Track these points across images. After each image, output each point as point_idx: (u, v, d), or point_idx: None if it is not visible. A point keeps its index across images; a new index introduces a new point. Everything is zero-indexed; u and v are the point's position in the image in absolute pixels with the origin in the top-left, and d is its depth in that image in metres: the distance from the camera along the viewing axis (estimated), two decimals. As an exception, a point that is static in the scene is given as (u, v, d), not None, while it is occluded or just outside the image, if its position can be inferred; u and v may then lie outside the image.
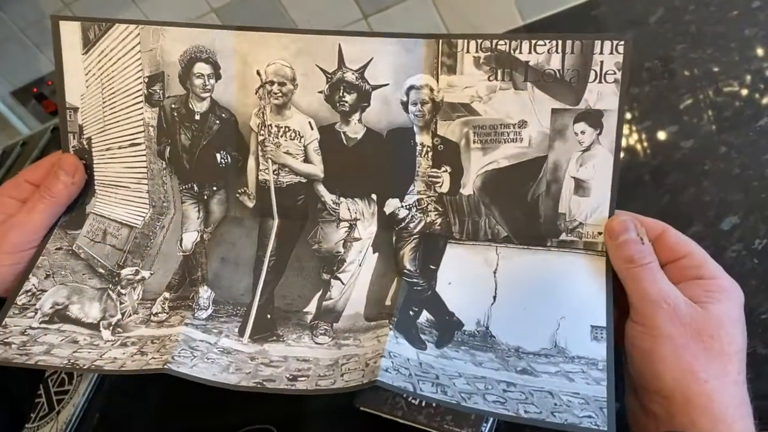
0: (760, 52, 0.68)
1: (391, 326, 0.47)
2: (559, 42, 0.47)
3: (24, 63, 1.22)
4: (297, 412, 0.56)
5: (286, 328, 0.50)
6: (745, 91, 0.65)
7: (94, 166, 0.57)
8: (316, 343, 0.49)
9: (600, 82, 0.47)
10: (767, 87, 0.65)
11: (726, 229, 0.56)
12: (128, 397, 0.64)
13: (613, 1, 0.88)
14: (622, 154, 0.62)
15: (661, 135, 0.64)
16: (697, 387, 0.41)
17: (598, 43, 0.46)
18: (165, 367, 0.46)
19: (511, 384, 0.43)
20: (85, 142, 0.57)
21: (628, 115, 0.66)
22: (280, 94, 0.53)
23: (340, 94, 0.52)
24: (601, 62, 0.46)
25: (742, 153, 0.60)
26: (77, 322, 0.51)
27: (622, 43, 0.46)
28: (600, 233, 0.50)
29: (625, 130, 0.65)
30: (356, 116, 0.52)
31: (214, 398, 0.58)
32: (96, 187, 0.57)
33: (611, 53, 0.46)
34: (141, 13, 1.05)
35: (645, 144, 0.64)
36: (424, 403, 0.49)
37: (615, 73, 0.46)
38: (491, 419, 0.48)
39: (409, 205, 0.53)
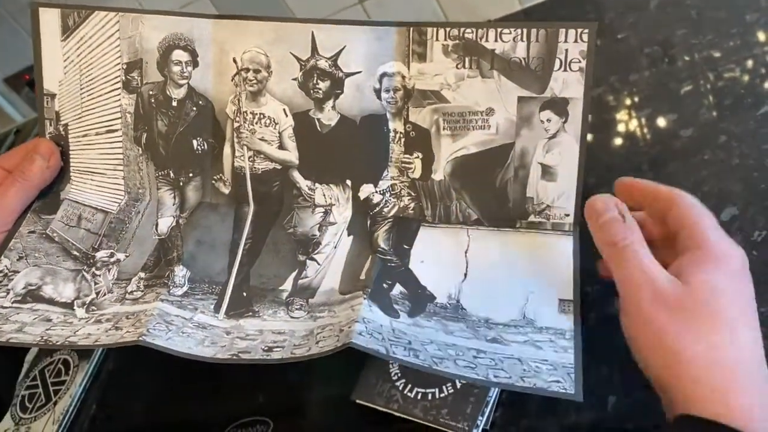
0: (762, 37, 0.66)
1: (365, 296, 0.48)
2: (524, 30, 0.49)
3: (16, 50, 1.20)
4: (293, 404, 0.56)
5: (261, 304, 0.51)
6: (746, 78, 0.63)
7: (70, 152, 0.57)
8: (292, 317, 0.50)
9: (565, 70, 0.49)
10: None
11: (725, 220, 0.54)
12: (125, 387, 0.63)
13: None
14: (620, 142, 0.63)
15: (661, 122, 0.63)
16: (683, 366, 0.39)
17: (562, 31, 0.48)
18: (140, 339, 0.46)
19: (480, 351, 0.45)
20: (61, 129, 0.57)
21: (627, 102, 0.66)
22: (255, 81, 0.54)
23: (314, 81, 0.53)
24: (566, 50, 0.49)
25: (742, 142, 0.58)
26: (51, 301, 0.51)
27: (587, 31, 0.48)
28: (567, 215, 0.51)
29: (624, 117, 0.64)
30: (330, 103, 0.54)
31: (210, 389, 0.59)
32: (71, 174, 0.57)
33: (576, 41, 0.48)
34: None
35: (644, 131, 0.63)
36: (419, 396, 0.49)
37: (580, 62, 0.49)
38: (487, 412, 0.47)
39: (383, 190, 0.55)
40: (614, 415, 0.46)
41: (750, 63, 0.65)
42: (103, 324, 0.49)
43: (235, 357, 0.46)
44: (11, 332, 0.49)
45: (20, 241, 0.54)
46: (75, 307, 0.51)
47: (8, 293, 0.51)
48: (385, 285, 0.50)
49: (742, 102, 0.61)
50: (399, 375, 0.50)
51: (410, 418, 0.49)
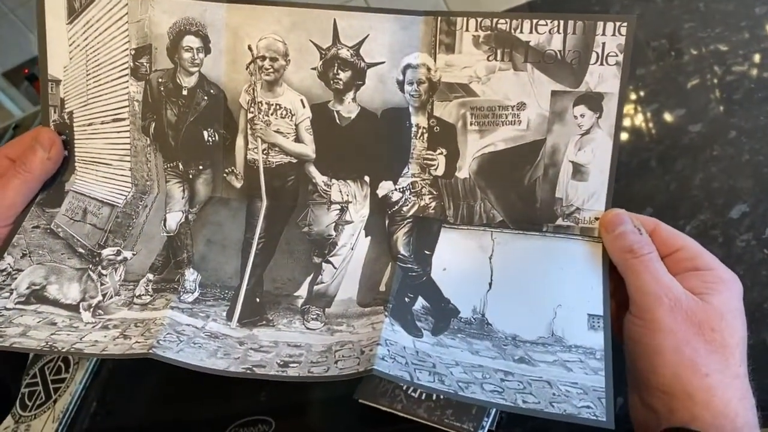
0: None
1: (386, 313, 0.46)
2: (561, 22, 0.46)
3: (14, 44, 1.19)
4: (295, 404, 0.55)
5: (275, 312, 0.48)
6: (755, 71, 0.62)
7: (75, 141, 0.55)
8: (308, 329, 0.47)
9: (601, 64, 0.46)
10: None
11: (735, 217, 0.55)
12: (125, 385, 0.62)
13: None
14: (627, 138, 0.61)
15: (668, 118, 0.62)
16: (698, 382, 0.40)
17: (600, 24, 0.45)
18: (150, 351, 0.44)
19: (508, 373, 0.42)
20: (66, 116, 0.54)
21: (633, 96, 0.64)
22: (271, 70, 0.51)
23: (334, 71, 0.50)
24: (603, 44, 0.45)
25: (752, 137, 0.58)
26: (55, 303, 0.49)
27: (625, 24, 0.45)
28: (597, 218, 0.49)
29: (631, 112, 0.63)
30: (350, 95, 0.51)
31: (212, 388, 0.56)
32: (76, 164, 0.55)
33: (614, 35, 0.45)
34: None
35: (651, 127, 0.61)
36: (423, 396, 0.48)
37: (617, 56, 0.45)
38: (493, 413, 0.47)
39: (402, 188, 0.52)
40: (623, 417, 0.44)
41: (758, 57, 0.64)
42: (111, 331, 0.47)
43: (249, 371, 0.44)
44: (15, 336, 0.46)
45: (24, 236, 0.52)
46: (81, 310, 0.48)
47: (12, 293, 0.49)
48: (407, 299, 0.47)
49: (751, 96, 0.60)
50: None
51: (414, 418, 0.47)
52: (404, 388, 0.48)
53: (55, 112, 0.55)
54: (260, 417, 0.53)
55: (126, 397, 0.61)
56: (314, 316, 0.48)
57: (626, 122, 0.62)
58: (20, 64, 1.23)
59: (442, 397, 0.47)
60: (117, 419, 0.60)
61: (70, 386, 0.61)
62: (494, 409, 0.46)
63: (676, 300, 0.42)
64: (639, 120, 0.62)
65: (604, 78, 0.46)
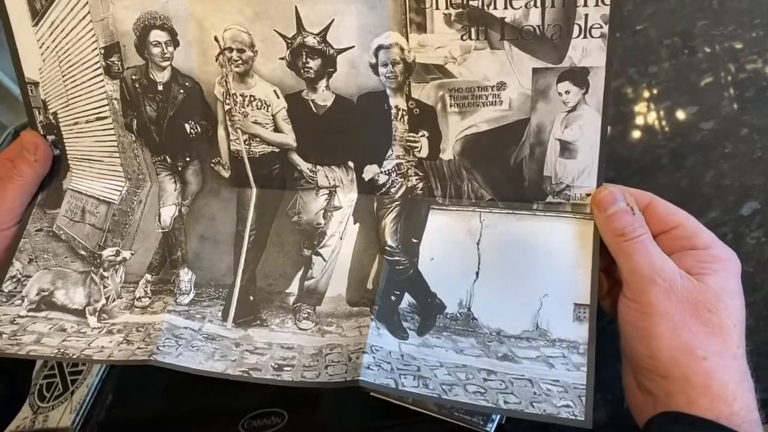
0: None
1: (372, 316, 0.46)
2: (537, -5, 0.42)
3: None
4: (308, 396, 0.57)
5: (269, 311, 0.50)
6: None
7: (65, 140, 0.55)
8: (300, 329, 0.48)
9: (585, 37, 0.42)
10: None
11: (746, 214, 0.55)
12: (141, 377, 0.65)
13: None
14: (639, 135, 0.59)
15: (680, 115, 0.60)
16: (696, 365, 0.40)
17: None
18: (151, 358, 0.46)
19: (491, 372, 0.43)
20: (51, 117, 0.55)
21: (646, 94, 0.62)
22: (240, 62, 0.49)
23: (303, 60, 0.48)
24: (586, 15, 0.41)
25: (764, 135, 0.57)
26: (63, 308, 0.52)
27: None
28: (588, 194, 0.47)
29: (643, 109, 0.61)
30: (323, 83, 0.48)
31: (226, 381, 0.59)
32: (70, 162, 0.55)
33: (597, 5, 0.41)
34: None
35: (663, 124, 0.60)
36: None
37: (601, 27, 0.41)
38: None
39: (388, 170, 0.51)
40: (629, 412, 0.45)
41: None
42: (115, 336, 0.49)
43: (245, 374, 0.46)
44: (30, 344, 0.50)
45: (29, 241, 0.54)
46: (87, 315, 0.51)
47: (23, 300, 0.52)
48: (393, 297, 0.47)
49: (764, 94, 0.59)
50: (414, 369, 0.49)
51: (425, 411, 0.48)
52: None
53: (40, 113, 0.55)
54: (273, 409, 0.55)
55: (141, 389, 0.65)
56: (305, 315, 0.49)
57: (638, 120, 0.60)
58: None
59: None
60: (132, 411, 0.64)
61: (87, 378, 0.64)
62: None
63: (671, 281, 0.41)
64: (651, 117, 0.61)
65: (588, 51, 0.42)
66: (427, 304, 0.47)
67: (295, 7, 0.46)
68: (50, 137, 0.55)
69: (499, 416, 0.46)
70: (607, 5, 0.41)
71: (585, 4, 0.41)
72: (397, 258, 0.49)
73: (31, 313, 0.51)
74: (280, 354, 0.47)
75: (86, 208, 0.55)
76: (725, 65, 0.59)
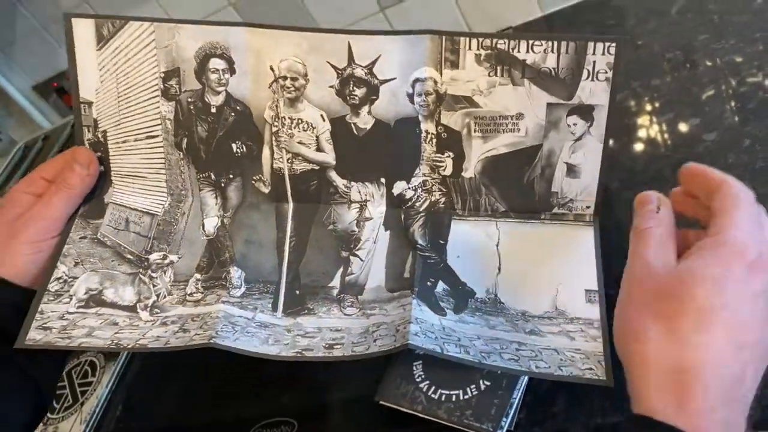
0: None
1: (413, 295, 0.53)
2: (555, 43, 0.52)
3: (44, 58, 1.21)
4: (317, 405, 0.58)
5: (315, 302, 0.55)
6: None
7: (110, 157, 0.59)
8: (345, 315, 0.54)
9: (592, 80, 0.52)
10: None
11: None
12: (151, 388, 0.66)
13: None
14: (642, 147, 0.63)
15: (683, 127, 0.63)
16: (632, 347, 0.39)
17: (591, 44, 0.51)
18: (210, 341, 0.51)
19: (522, 344, 0.50)
20: (100, 135, 0.59)
21: (648, 107, 0.66)
22: (293, 89, 0.56)
23: (350, 88, 0.56)
24: (594, 62, 0.52)
25: (766, 146, 0.58)
26: (114, 305, 0.55)
27: (614, 44, 0.51)
28: (588, 206, 0.56)
29: (646, 122, 0.65)
30: (366, 108, 0.56)
31: (235, 390, 0.61)
32: (112, 178, 0.60)
33: (603, 54, 0.51)
34: (159, 6, 1.04)
35: (666, 137, 0.63)
36: (443, 398, 0.50)
37: (606, 72, 0.52)
38: (511, 413, 0.49)
39: (415, 186, 0.58)
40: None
41: None
42: (170, 326, 0.53)
43: (299, 354, 0.51)
44: (81, 337, 0.53)
45: (73, 246, 0.57)
46: (138, 310, 0.55)
47: (71, 299, 0.55)
48: (428, 283, 0.55)
49: (765, 106, 0.62)
50: (423, 376, 0.52)
51: (434, 419, 0.49)
52: (424, 389, 0.51)
53: (89, 131, 0.59)
54: (283, 418, 0.57)
55: (151, 400, 0.65)
56: (349, 304, 0.55)
57: (642, 132, 0.64)
58: (49, 78, 1.26)
59: (461, 398, 0.49)
60: (142, 422, 0.64)
61: (97, 389, 0.66)
62: (512, 410, 0.48)
63: (649, 270, 0.41)
64: (654, 130, 0.64)
65: (594, 92, 0.53)
66: (458, 291, 0.55)
67: (348, 43, 0.54)
68: (96, 154, 0.59)
69: (508, 423, 0.49)
70: (612, 55, 0.51)
71: (593, 53, 0.52)
72: (427, 254, 0.56)
73: (80, 310, 0.54)
74: (329, 336, 0.52)
75: (130, 218, 0.59)
76: (726, 78, 0.63)
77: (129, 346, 0.52)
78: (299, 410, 0.58)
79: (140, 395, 0.66)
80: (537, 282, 0.54)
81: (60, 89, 1.27)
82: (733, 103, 0.63)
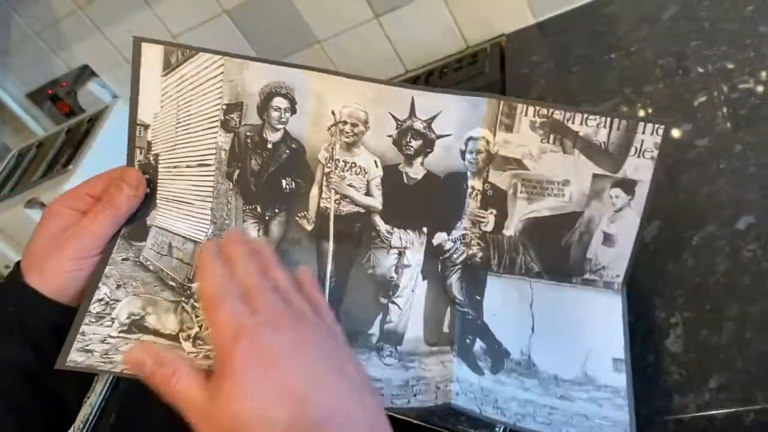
0: None
1: (454, 353, 0.55)
2: (608, 119, 0.55)
3: (38, 65, 1.20)
4: None
5: (354, 347, 0.56)
6: (760, 88, 0.64)
7: (159, 181, 0.60)
8: (385, 364, 0.55)
9: (639, 157, 0.56)
10: None
11: (742, 228, 0.56)
12: (144, 396, 0.64)
13: None
14: None
15: (675, 133, 0.64)
16: None
17: (641, 124, 0.55)
18: None
19: (554, 408, 0.52)
20: (152, 158, 0.60)
21: (641, 113, 0.67)
22: (351, 134, 0.58)
23: (408, 139, 0.58)
24: (642, 141, 0.55)
25: (757, 151, 0.59)
26: (156, 332, 0.55)
27: (663, 126, 0.55)
28: (618, 275, 0.59)
29: (638, 128, 0.67)
30: (419, 159, 0.59)
31: None
32: (158, 201, 0.60)
33: (652, 134, 0.55)
34: (155, 15, 1.05)
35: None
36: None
37: (652, 152, 0.55)
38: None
39: (455, 238, 0.60)
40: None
41: (764, 74, 0.66)
42: (211, 360, 0.53)
43: None
44: (124, 363, 0.52)
45: (115, 268, 0.57)
46: (181, 340, 0.55)
47: (113, 322, 0.55)
48: (467, 340, 0.56)
49: (757, 112, 0.63)
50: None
51: (429, 425, 0.52)
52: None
53: (140, 153, 0.60)
54: None
55: (144, 408, 0.65)
56: (388, 353, 0.56)
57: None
58: (44, 85, 1.25)
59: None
60: (135, 430, 0.64)
61: (91, 397, 0.65)
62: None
63: None
64: None
65: (639, 168, 0.56)
66: (495, 350, 0.56)
67: (412, 97, 0.57)
68: (144, 176, 0.60)
69: (501, 430, 0.52)
70: (659, 136, 0.55)
71: (643, 132, 0.55)
72: (466, 309, 0.58)
73: (122, 335, 0.54)
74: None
75: (173, 243, 0.60)
76: (718, 85, 0.65)
77: None
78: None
79: (134, 404, 0.65)
80: (568, 346, 0.57)
81: (54, 96, 1.27)
82: (725, 109, 0.64)
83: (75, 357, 0.52)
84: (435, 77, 1.01)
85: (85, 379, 0.58)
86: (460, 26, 1.01)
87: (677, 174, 0.63)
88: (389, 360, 0.56)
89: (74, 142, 1.18)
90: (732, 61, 0.68)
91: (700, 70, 0.69)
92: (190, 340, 0.55)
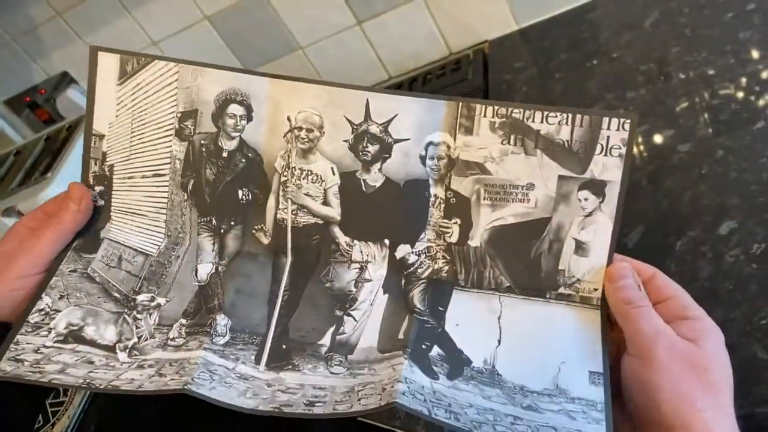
0: (755, 54, 0.67)
1: (405, 356, 0.50)
2: (570, 115, 0.53)
3: (16, 72, 1.22)
4: (295, 421, 0.55)
5: (301, 358, 0.52)
6: (740, 94, 0.65)
7: (113, 192, 0.58)
8: (332, 373, 0.51)
9: (606, 155, 0.52)
10: (763, 90, 0.64)
11: (724, 233, 0.56)
12: (124, 408, 0.62)
13: (608, 4, 0.86)
14: None
15: (658, 139, 0.64)
16: (695, 416, 0.44)
17: (606, 119, 0.52)
18: (185, 387, 0.47)
19: (518, 418, 0.47)
20: (106, 169, 0.58)
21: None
22: (307, 140, 0.56)
23: (364, 144, 0.56)
24: (608, 137, 0.52)
25: (738, 156, 0.60)
26: (92, 343, 0.52)
27: (629, 120, 0.51)
28: (596, 289, 0.54)
29: (603, 123, 0.66)
30: (377, 166, 0.56)
31: (211, 410, 0.58)
32: (112, 214, 0.58)
33: (618, 130, 0.52)
34: (134, 21, 1.07)
35: (642, 148, 0.63)
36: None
37: (620, 148, 0.52)
38: None
39: (419, 251, 0.57)
40: None
41: (744, 80, 0.66)
42: (146, 369, 0.50)
43: (277, 410, 0.47)
44: (54, 373, 0.49)
45: (62, 279, 0.55)
46: (117, 351, 0.52)
47: (50, 332, 0.52)
48: (423, 346, 0.52)
49: (737, 118, 0.63)
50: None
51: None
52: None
53: (95, 164, 0.59)
54: None
55: (124, 420, 0.62)
56: (337, 363, 0.52)
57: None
58: (22, 92, 1.27)
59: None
60: None
61: (69, 409, 0.61)
62: None
63: (672, 341, 0.47)
64: None
65: (607, 167, 0.53)
66: (454, 357, 0.52)
67: (367, 100, 0.55)
68: (99, 188, 0.58)
69: None
70: (626, 131, 0.52)
71: (608, 128, 0.52)
72: (425, 318, 0.54)
73: (57, 344, 0.52)
74: (311, 393, 0.49)
75: (123, 256, 0.57)
76: (699, 91, 0.64)
77: (101, 387, 0.49)
78: (277, 427, 0.54)
79: (114, 416, 0.62)
80: (539, 358, 0.52)
81: (32, 104, 1.26)
82: (706, 115, 0.64)
83: (4, 366, 0.49)
84: (418, 83, 1.00)
85: (33, 404, 0.55)
86: (443, 32, 1.01)
87: (660, 179, 0.62)
88: (337, 369, 0.52)
89: (53, 150, 1.15)
90: (713, 67, 0.68)
91: (682, 76, 0.69)
92: (126, 350, 0.52)
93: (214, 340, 0.53)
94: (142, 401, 0.62)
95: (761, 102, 0.64)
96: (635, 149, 0.65)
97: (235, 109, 0.57)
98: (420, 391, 0.48)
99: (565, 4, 0.94)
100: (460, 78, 0.97)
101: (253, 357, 0.52)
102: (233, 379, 0.50)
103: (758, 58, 0.68)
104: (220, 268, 0.57)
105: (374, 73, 1.07)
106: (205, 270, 0.57)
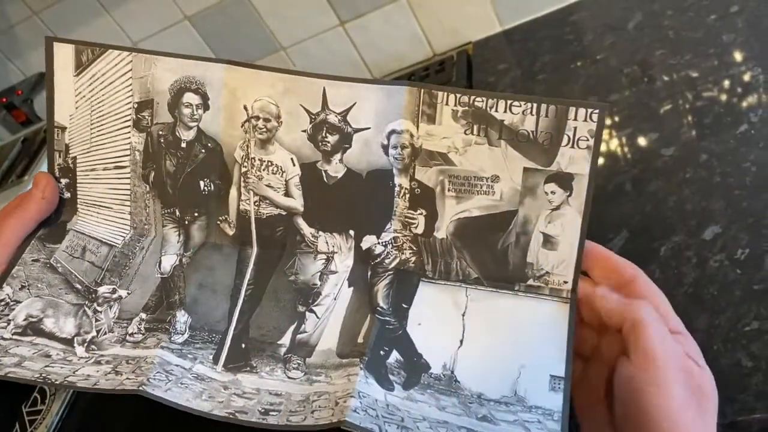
0: (738, 57, 0.66)
1: (361, 366, 0.49)
2: (534, 105, 0.49)
3: None
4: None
5: (259, 359, 0.52)
6: (724, 97, 0.64)
7: (78, 185, 0.58)
8: (289, 378, 0.50)
9: (573, 147, 0.49)
10: (746, 92, 0.63)
11: (708, 238, 0.55)
12: (102, 416, 0.64)
13: (591, 6, 0.86)
14: (602, 162, 0.63)
15: (642, 142, 0.63)
16: None
17: (572, 109, 0.48)
18: (140, 388, 0.47)
19: (471, 430, 0.46)
20: (70, 161, 0.58)
21: (608, 121, 0.65)
22: (264, 130, 0.54)
23: (323, 134, 0.54)
24: (575, 128, 0.49)
25: (722, 160, 0.59)
26: (51, 336, 0.52)
27: (597, 111, 0.48)
28: (565, 281, 0.52)
29: (606, 136, 0.64)
30: (337, 156, 0.54)
31: (190, 420, 0.59)
32: (78, 206, 0.58)
33: (585, 120, 0.48)
34: (113, 20, 1.05)
35: (626, 151, 0.62)
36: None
37: (588, 140, 0.49)
38: None
39: (385, 242, 0.55)
40: None
41: (727, 83, 0.65)
42: (103, 366, 0.50)
43: (231, 416, 0.47)
44: (10, 366, 0.50)
45: (24, 269, 0.55)
46: (75, 345, 0.52)
47: (9, 324, 0.52)
48: (382, 352, 0.51)
49: (721, 121, 0.62)
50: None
51: None
52: None
53: (60, 156, 0.58)
54: None
55: (103, 428, 0.63)
56: (295, 366, 0.51)
57: (602, 147, 0.63)
58: None
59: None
60: None
61: (47, 418, 0.63)
62: None
63: (690, 370, 0.44)
64: (614, 144, 0.64)
65: (574, 160, 0.49)
66: (413, 363, 0.50)
67: (323, 88, 0.52)
68: (65, 180, 0.58)
69: None
70: (594, 122, 0.48)
71: (575, 119, 0.49)
72: (387, 318, 0.52)
73: (15, 337, 0.52)
74: (267, 399, 0.48)
75: (87, 247, 0.57)
76: (683, 93, 0.63)
77: (57, 382, 0.49)
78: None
79: (92, 425, 0.64)
80: (499, 361, 0.50)
81: (10, 105, 1.24)
82: (690, 118, 0.63)
83: None
84: (402, 85, 0.99)
85: (10, 408, 0.56)
86: (426, 34, 0.98)
87: (644, 183, 0.61)
88: (294, 373, 0.51)
89: (30, 152, 1.14)
90: (696, 69, 0.67)
91: (665, 78, 0.68)
92: (85, 344, 0.52)
93: (172, 339, 0.52)
94: (120, 410, 0.63)
95: (744, 104, 0.63)
96: (618, 151, 0.64)
97: (190, 98, 0.55)
98: (372, 406, 0.46)
99: (548, 5, 0.92)
100: (444, 79, 0.96)
101: (211, 356, 0.52)
102: (189, 380, 0.50)
103: (741, 60, 0.66)
104: (184, 260, 0.57)
105: (357, 74, 1.05)
106: (169, 261, 0.57)
